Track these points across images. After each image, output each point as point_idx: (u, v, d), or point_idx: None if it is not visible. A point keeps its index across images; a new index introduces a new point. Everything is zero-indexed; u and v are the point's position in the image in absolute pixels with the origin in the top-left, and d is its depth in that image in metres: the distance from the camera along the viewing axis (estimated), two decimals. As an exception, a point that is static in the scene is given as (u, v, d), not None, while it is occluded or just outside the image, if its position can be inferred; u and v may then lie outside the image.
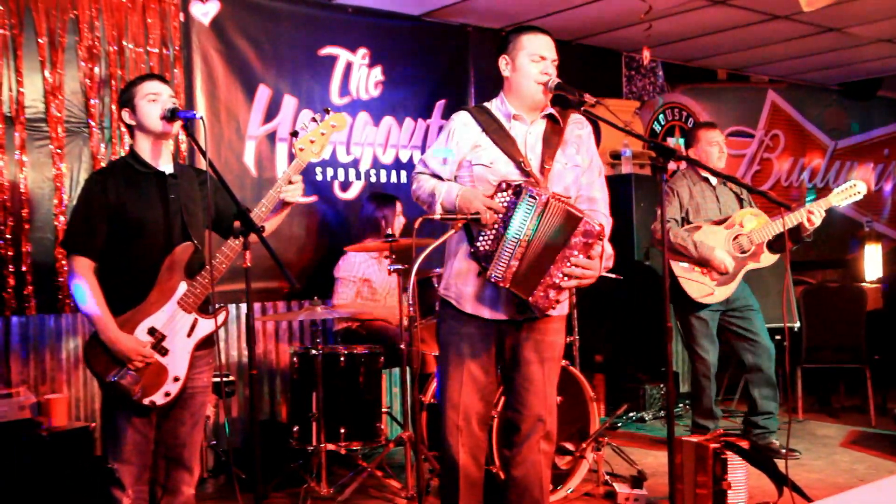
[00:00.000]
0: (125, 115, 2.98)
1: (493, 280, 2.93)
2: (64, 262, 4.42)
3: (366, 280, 5.01)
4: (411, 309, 3.09)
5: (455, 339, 3.13)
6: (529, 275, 2.92)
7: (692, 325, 4.93)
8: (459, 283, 3.11)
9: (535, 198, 2.90)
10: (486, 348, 3.12)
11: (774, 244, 4.84)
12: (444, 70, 6.01)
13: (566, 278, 2.93)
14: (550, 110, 3.15)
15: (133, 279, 2.90)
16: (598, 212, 3.16)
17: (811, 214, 4.63)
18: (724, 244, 4.80)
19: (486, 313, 3.08)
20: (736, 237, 4.83)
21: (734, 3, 5.82)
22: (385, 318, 4.93)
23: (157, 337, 2.89)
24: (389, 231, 4.99)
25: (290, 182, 3.01)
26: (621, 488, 4.21)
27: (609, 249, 3.06)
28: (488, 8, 5.74)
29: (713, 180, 4.98)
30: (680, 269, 4.84)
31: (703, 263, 4.79)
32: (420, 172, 3.23)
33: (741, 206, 5.00)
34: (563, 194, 3.03)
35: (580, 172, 3.17)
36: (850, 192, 4.76)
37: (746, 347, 4.97)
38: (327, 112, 3.11)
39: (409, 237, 4.48)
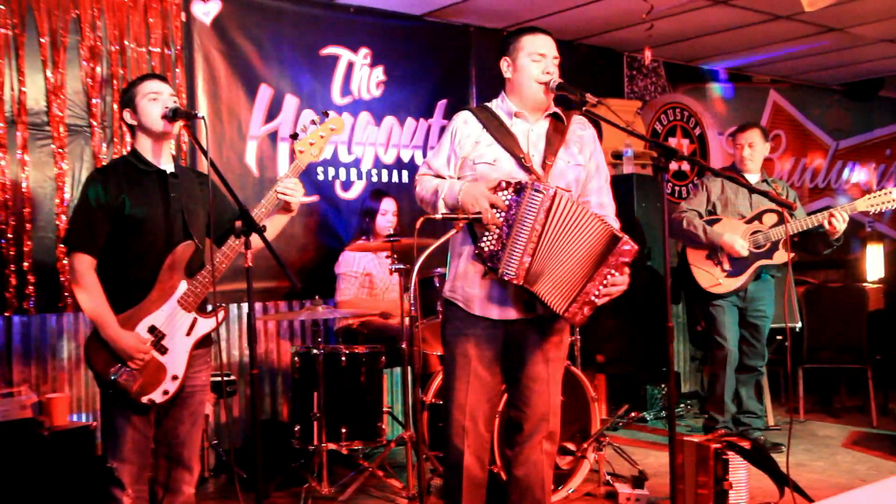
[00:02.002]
0: (126, 115, 2.99)
1: (506, 278, 2.92)
2: (66, 262, 4.43)
3: (367, 274, 5.02)
4: (413, 308, 3.09)
5: (461, 340, 3.12)
6: (554, 280, 2.90)
7: (712, 314, 5.00)
8: (466, 284, 3.11)
9: (541, 192, 2.88)
10: (492, 349, 3.12)
11: (801, 245, 4.84)
12: (445, 70, 6.01)
13: (602, 296, 2.93)
14: (554, 109, 3.15)
15: (134, 277, 2.90)
16: (608, 216, 3.16)
17: (832, 218, 4.62)
18: (736, 235, 4.83)
19: (494, 313, 3.07)
20: (754, 233, 4.85)
21: (736, 4, 5.82)
22: (387, 311, 4.94)
23: (156, 335, 2.89)
24: (371, 228, 5.00)
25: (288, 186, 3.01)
26: (622, 488, 4.21)
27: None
28: (490, 8, 5.74)
29: (753, 178, 4.99)
30: (694, 257, 4.91)
31: (714, 249, 4.83)
32: (423, 174, 3.23)
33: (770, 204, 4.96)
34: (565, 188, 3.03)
35: (582, 172, 3.17)
36: (883, 198, 4.64)
37: (744, 349, 5.02)
38: (326, 114, 3.12)
39: (410, 237, 4.48)
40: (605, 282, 2.91)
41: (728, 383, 4.99)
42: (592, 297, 2.91)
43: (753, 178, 5.02)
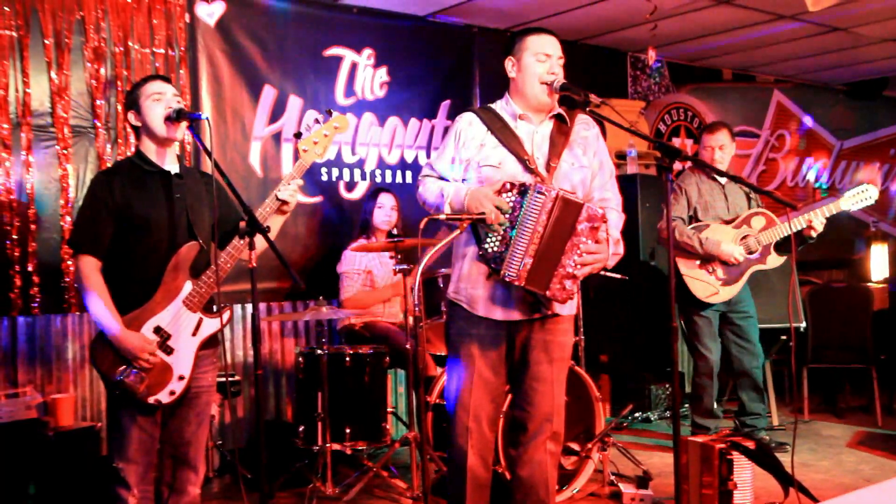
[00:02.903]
0: (131, 116, 3.00)
1: (507, 279, 2.91)
2: (70, 263, 4.44)
3: (367, 272, 5.02)
4: (416, 309, 3.09)
5: (465, 341, 3.13)
6: (543, 270, 2.92)
7: (696, 324, 4.93)
8: (470, 286, 3.11)
9: (544, 194, 2.89)
10: (496, 349, 3.12)
11: (781, 245, 4.84)
12: (449, 70, 6.02)
13: (579, 266, 2.93)
14: (558, 110, 3.16)
15: (139, 278, 2.90)
16: (611, 208, 3.16)
17: (811, 223, 4.65)
18: (731, 242, 4.80)
19: (498, 314, 3.08)
20: (744, 237, 4.83)
21: (739, 3, 5.82)
22: (384, 298, 4.94)
23: (162, 336, 2.90)
24: (370, 224, 4.99)
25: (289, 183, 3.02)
26: (627, 488, 4.20)
27: (616, 235, 3.09)
28: (493, 8, 5.74)
29: (722, 179, 4.97)
30: (686, 267, 4.84)
31: (711, 259, 4.79)
32: (426, 176, 3.23)
33: (749, 205, 4.99)
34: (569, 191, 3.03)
35: (587, 173, 3.17)
36: (860, 196, 4.75)
37: (737, 352, 4.98)
38: (330, 113, 3.13)
39: (414, 237, 4.48)
40: (578, 251, 2.91)
41: (714, 392, 4.98)
42: (569, 270, 2.92)
43: (721, 179, 5.00)
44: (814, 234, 4.71)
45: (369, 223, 5.04)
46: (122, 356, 2.84)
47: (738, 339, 4.97)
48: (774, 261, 4.85)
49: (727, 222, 4.88)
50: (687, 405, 6.31)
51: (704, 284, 4.82)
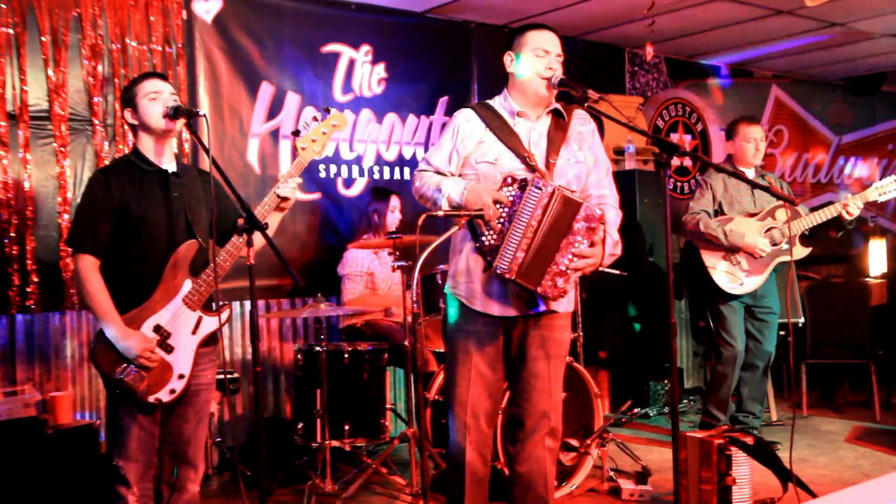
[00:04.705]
0: (127, 114, 2.99)
1: (499, 272, 2.92)
2: (68, 260, 4.43)
3: (370, 273, 5.02)
4: (415, 306, 3.09)
5: (462, 337, 3.13)
6: (535, 265, 2.92)
7: (722, 313, 4.93)
8: (467, 280, 3.11)
9: (540, 188, 2.89)
10: (493, 345, 3.12)
11: (806, 237, 4.85)
12: (446, 66, 6.01)
13: (571, 265, 2.93)
14: (556, 106, 3.16)
15: (138, 277, 2.90)
16: (608, 205, 3.16)
17: (847, 207, 4.69)
18: (755, 235, 4.80)
19: (495, 309, 3.08)
20: (768, 229, 4.83)
21: (737, -2, 5.82)
22: (386, 306, 4.93)
23: (162, 334, 2.89)
24: (381, 225, 5.00)
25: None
26: (626, 484, 4.21)
27: (616, 236, 3.09)
28: (491, 4, 5.73)
29: (749, 174, 4.96)
30: (710, 260, 4.85)
31: (735, 251, 4.79)
32: (423, 170, 3.22)
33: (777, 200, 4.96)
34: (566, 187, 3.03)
35: (583, 169, 3.17)
36: (889, 186, 4.77)
37: (750, 347, 4.97)
38: (328, 111, 3.13)
39: (412, 234, 4.48)
40: (573, 250, 2.91)
41: (732, 384, 4.98)
42: (562, 268, 2.92)
43: (749, 173, 4.99)
44: (850, 219, 4.72)
45: (379, 225, 5.03)
46: (122, 355, 2.84)
47: (758, 333, 4.97)
48: (799, 252, 4.86)
49: (752, 215, 4.89)
50: (685, 401, 6.34)
51: (729, 276, 4.84)
